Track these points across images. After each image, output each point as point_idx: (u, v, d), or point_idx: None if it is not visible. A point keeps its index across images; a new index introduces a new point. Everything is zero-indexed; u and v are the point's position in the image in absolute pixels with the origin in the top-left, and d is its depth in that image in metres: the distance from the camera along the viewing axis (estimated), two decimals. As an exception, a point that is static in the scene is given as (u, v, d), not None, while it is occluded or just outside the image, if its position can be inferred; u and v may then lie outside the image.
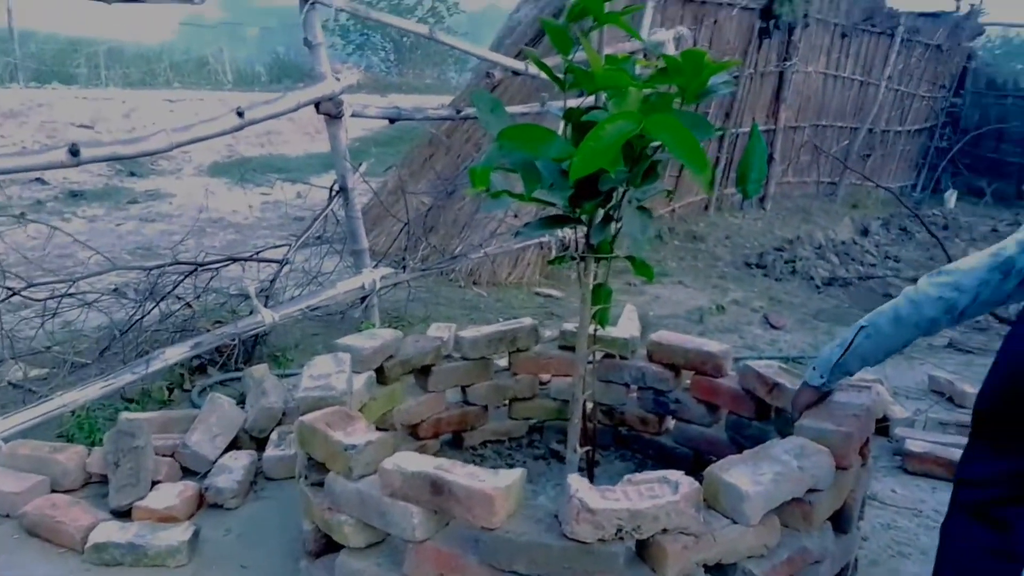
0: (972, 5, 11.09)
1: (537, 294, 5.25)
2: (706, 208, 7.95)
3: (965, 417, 3.14)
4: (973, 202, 10.37)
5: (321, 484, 1.70)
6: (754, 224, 7.93)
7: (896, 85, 10.09)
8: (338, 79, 3.40)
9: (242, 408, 2.87)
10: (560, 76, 1.83)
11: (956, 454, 2.71)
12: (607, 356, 2.68)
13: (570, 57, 1.81)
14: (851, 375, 1.89)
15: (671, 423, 2.68)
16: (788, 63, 8.02)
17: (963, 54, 11.26)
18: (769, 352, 4.30)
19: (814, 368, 1.89)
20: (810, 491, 1.62)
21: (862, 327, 1.78)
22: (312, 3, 3.26)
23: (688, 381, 2.59)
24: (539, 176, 1.72)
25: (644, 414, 2.69)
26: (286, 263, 3.72)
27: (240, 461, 2.53)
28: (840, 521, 1.79)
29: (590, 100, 1.95)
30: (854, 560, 1.99)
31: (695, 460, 2.55)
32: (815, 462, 1.62)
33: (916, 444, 2.81)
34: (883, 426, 3.07)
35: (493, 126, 1.75)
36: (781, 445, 1.68)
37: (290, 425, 2.67)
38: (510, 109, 4.53)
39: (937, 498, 2.57)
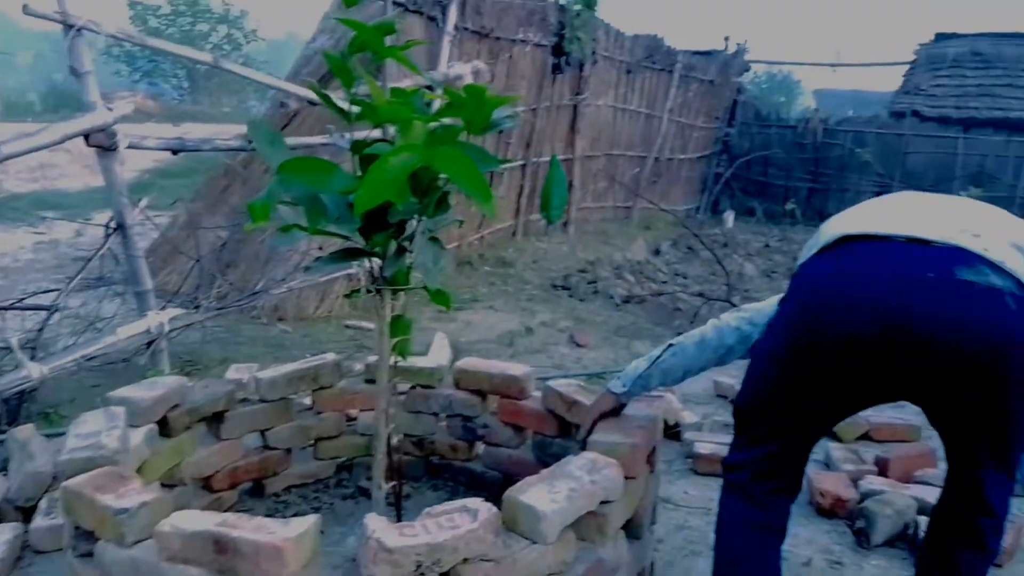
0: (739, 44, 12.44)
1: (347, 327, 5.13)
2: (513, 234, 8.20)
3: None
4: (747, 221, 11.52)
5: (91, 555, 1.53)
6: (559, 248, 8.29)
7: (677, 117, 11.05)
8: (110, 109, 3.15)
9: (4, 475, 2.54)
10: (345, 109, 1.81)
11: (737, 453, 2.98)
12: (414, 387, 2.67)
13: (353, 90, 1.79)
14: (648, 389, 2.03)
15: (481, 448, 2.70)
16: (580, 97, 8.53)
17: (733, 88, 12.56)
18: (575, 370, 4.48)
19: (618, 377, 2.02)
20: (603, 503, 1.68)
21: (671, 345, 1.94)
22: (77, 29, 3.01)
23: (495, 405, 2.63)
24: (324, 209, 1.68)
25: (454, 441, 2.69)
26: (55, 309, 3.36)
27: (2, 535, 2.23)
28: (633, 528, 1.88)
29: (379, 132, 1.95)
30: (650, 564, 2.10)
31: (505, 482, 2.59)
32: (606, 475, 1.69)
33: (704, 446, 3.03)
34: (675, 432, 3.30)
35: (273, 159, 1.69)
36: (574, 462, 1.74)
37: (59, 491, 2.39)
38: (307, 140, 4.44)
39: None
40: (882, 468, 2.87)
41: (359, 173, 1.81)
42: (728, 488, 1.80)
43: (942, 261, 1.35)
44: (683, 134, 11.45)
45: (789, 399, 1.63)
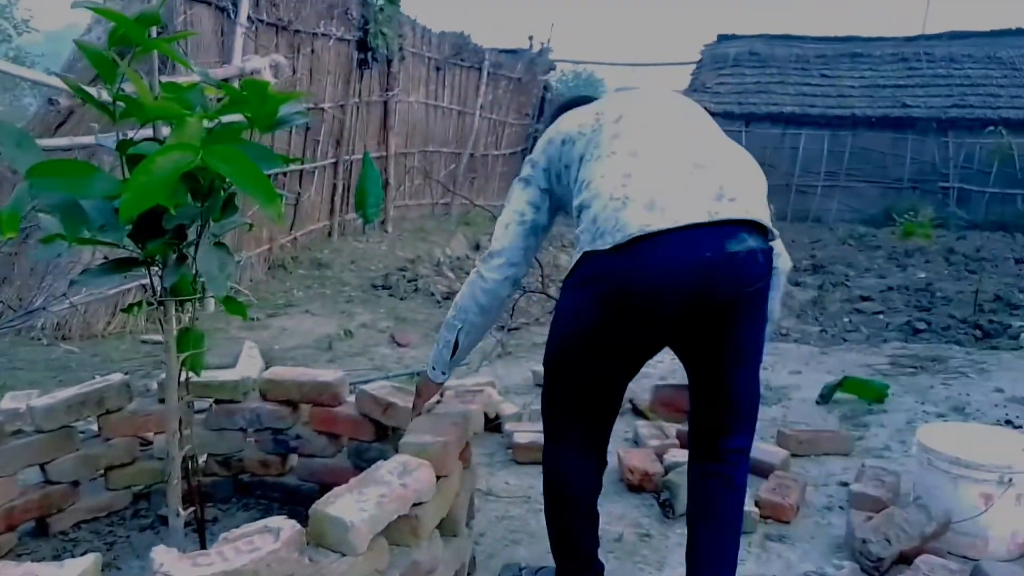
0: (542, 44, 12.86)
1: (144, 342, 4.74)
2: (329, 234, 7.98)
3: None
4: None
5: None
6: (377, 247, 8.16)
7: (489, 114, 11.24)
8: None
9: None
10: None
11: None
12: (217, 402, 2.50)
13: (117, 85, 1.63)
14: (462, 362, 2.07)
15: (295, 460, 2.59)
16: (391, 93, 8.43)
17: (540, 86, 12.97)
18: (397, 370, 4.43)
19: (434, 368, 2.04)
20: (415, 505, 1.66)
21: (459, 328, 1.97)
22: None
23: (307, 414, 2.53)
24: (84, 216, 1.51)
25: (264, 456, 2.55)
26: None
27: None
28: (449, 526, 1.87)
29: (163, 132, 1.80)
30: (471, 558, 2.11)
31: (322, 493, 2.49)
32: (417, 477, 1.67)
33: (522, 436, 3.10)
34: (496, 424, 3.34)
35: (20, 162, 1.50)
36: (385, 466, 1.70)
37: None
38: (84, 140, 4.04)
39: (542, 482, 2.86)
40: (683, 441, 3.07)
41: (127, 175, 1.66)
42: (552, 442, 1.96)
43: (713, 239, 1.63)
44: (496, 130, 11.68)
45: (595, 363, 1.82)
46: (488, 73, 10.86)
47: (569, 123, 1.92)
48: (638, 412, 3.60)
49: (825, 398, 3.86)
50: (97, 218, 1.53)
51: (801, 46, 14.83)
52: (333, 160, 7.73)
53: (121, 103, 1.64)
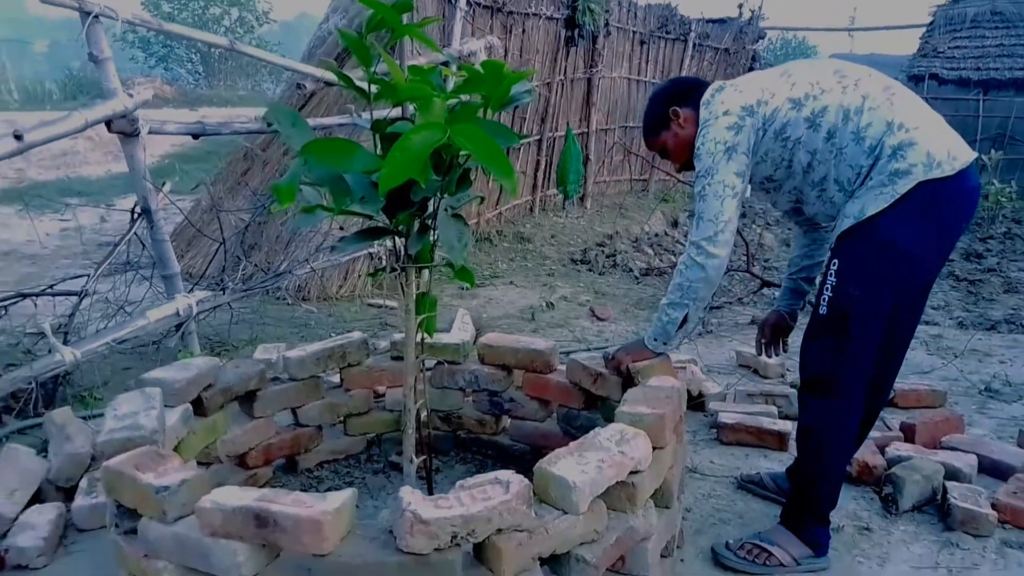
0: (752, 12, 12.22)
1: (371, 305, 5.17)
2: (531, 209, 8.19)
3: (769, 387, 3.45)
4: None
5: (135, 531, 1.57)
6: (576, 222, 8.27)
7: (693, 86, 10.88)
8: (131, 95, 3.17)
9: (44, 457, 2.61)
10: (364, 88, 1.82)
11: (763, 422, 2.99)
12: (440, 362, 2.70)
13: (373, 69, 1.80)
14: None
15: (507, 422, 2.73)
16: (595, 69, 8.44)
17: (748, 56, 12.35)
18: (597, 343, 4.50)
19: (655, 339, 2.20)
20: (632, 473, 1.71)
21: (688, 307, 2.11)
22: (94, 16, 3.02)
23: (520, 379, 2.66)
24: (348, 189, 1.69)
25: (481, 416, 2.72)
26: (85, 295, 3.41)
27: (45, 515, 2.29)
28: (662, 497, 1.90)
29: (401, 111, 1.96)
30: (679, 532, 2.13)
31: (533, 454, 2.63)
32: (634, 446, 1.71)
33: (728, 416, 3.04)
34: (699, 402, 3.31)
35: (295, 140, 1.70)
36: (603, 433, 1.76)
37: (99, 471, 2.45)
38: (325, 121, 4.46)
39: (750, 463, 2.81)
40: (908, 434, 2.87)
41: (380, 152, 1.83)
42: (843, 396, 2.03)
43: (975, 173, 1.98)
44: (700, 103, 11.31)
45: (910, 292, 2.06)
46: (694, 44, 10.53)
47: (773, 89, 2.05)
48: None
49: (1079, 399, 3.43)
50: (358, 191, 1.71)
51: (1057, 2, 12.93)
52: (537, 137, 7.91)
53: (376, 86, 1.81)
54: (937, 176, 1.86)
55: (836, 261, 1.98)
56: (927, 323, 5.09)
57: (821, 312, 2.01)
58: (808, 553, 2.13)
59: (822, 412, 2.06)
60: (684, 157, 2.23)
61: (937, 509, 2.42)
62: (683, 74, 10.47)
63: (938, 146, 1.89)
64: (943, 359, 4.17)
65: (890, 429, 2.95)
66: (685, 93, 2.21)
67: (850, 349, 1.98)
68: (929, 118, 1.95)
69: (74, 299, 3.49)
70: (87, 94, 17.03)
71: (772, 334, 2.52)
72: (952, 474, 2.53)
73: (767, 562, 2.11)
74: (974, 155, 1.94)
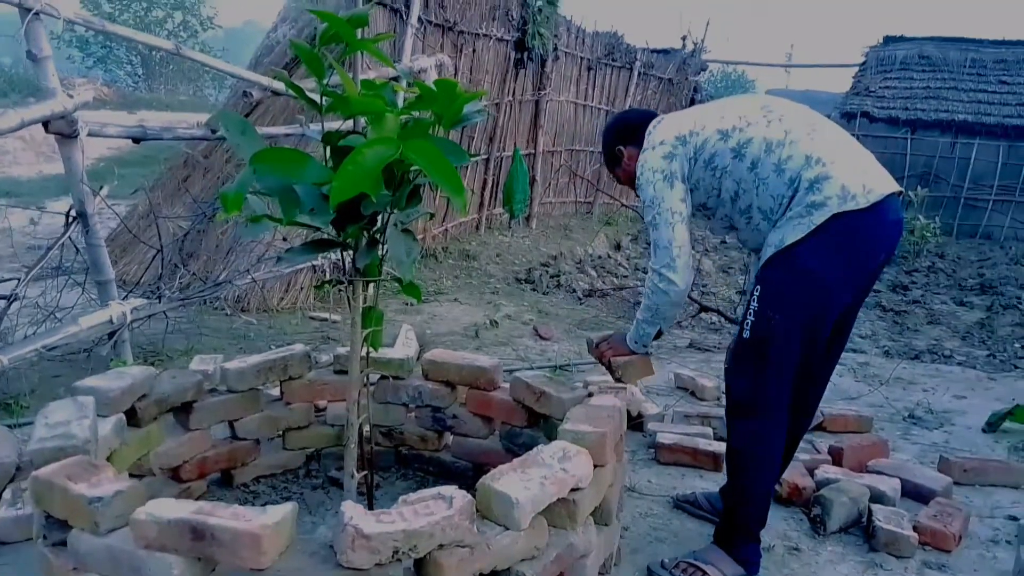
0: (695, 44, 12.60)
1: (312, 318, 5.10)
2: (477, 228, 8.22)
3: (706, 408, 3.53)
4: (704, 217, 11.68)
5: (64, 544, 1.52)
6: (522, 242, 8.33)
7: (638, 113, 11.13)
8: (71, 95, 3.09)
9: (-37, 468, 2.48)
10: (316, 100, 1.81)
11: (699, 443, 3.05)
12: (384, 377, 2.68)
13: (326, 81, 1.80)
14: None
15: (450, 438, 2.73)
16: (543, 92, 8.57)
17: (690, 87, 12.71)
18: (540, 362, 4.53)
19: (636, 342, 2.38)
20: (573, 490, 1.73)
21: (659, 326, 2.31)
22: (35, 13, 2.94)
23: (464, 396, 2.66)
24: (297, 200, 1.68)
25: (423, 432, 2.71)
26: (14, 299, 3.28)
27: (-37, 529, 2.19)
28: (602, 515, 1.93)
29: (349, 124, 1.96)
30: (616, 550, 2.16)
31: (474, 472, 2.63)
32: (576, 463, 1.74)
33: (666, 436, 3.10)
34: (638, 422, 3.37)
35: (244, 149, 1.68)
36: (546, 450, 1.78)
37: (26, 481, 2.35)
38: (272, 130, 4.40)
39: (686, 483, 2.86)
40: (836, 458, 2.98)
41: (330, 165, 1.83)
42: (765, 414, 2.12)
43: (895, 206, 2.08)
44: (644, 130, 11.57)
45: (824, 319, 2.09)
46: (639, 73, 10.79)
47: (704, 122, 2.18)
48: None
49: (993, 426, 3.61)
50: (308, 202, 1.70)
51: (978, 50, 13.66)
52: (485, 156, 7.97)
53: (328, 98, 1.81)
54: (851, 208, 1.96)
55: (759, 287, 2.09)
56: (855, 351, 5.29)
57: (744, 336, 2.11)
58: (740, 572, 2.19)
59: (747, 434, 2.15)
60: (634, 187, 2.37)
61: (863, 531, 2.51)
62: (628, 102, 10.72)
63: (853, 180, 1.99)
64: (870, 386, 4.34)
65: (819, 452, 3.05)
66: (630, 131, 2.37)
67: (770, 372, 2.07)
68: (848, 153, 2.06)
69: (2, 303, 3.34)
70: (19, 92, 16.39)
71: None
72: (877, 497, 2.63)
73: None
74: (893, 188, 2.04)
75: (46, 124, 3.08)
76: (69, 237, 3.41)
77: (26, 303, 3.46)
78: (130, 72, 25.19)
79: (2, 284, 3.61)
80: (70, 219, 3.35)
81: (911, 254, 9.29)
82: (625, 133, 2.38)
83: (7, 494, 2.32)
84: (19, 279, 3.33)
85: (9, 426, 2.76)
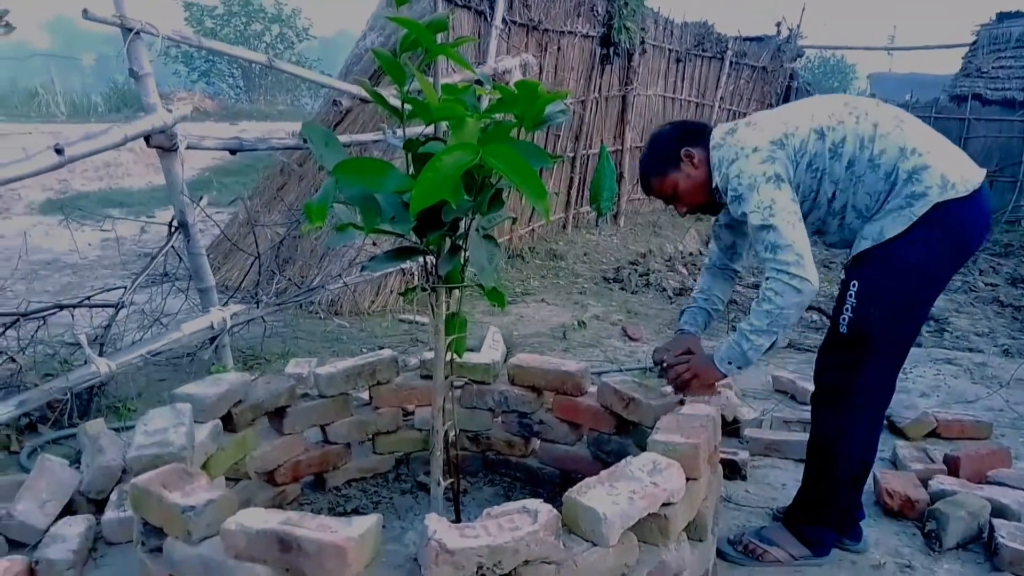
0: (791, 30, 12.12)
1: (402, 321, 5.18)
2: (564, 227, 8.16)
3: (806, 413, 3.35)
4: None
5: (160, 550, 1.57)
6: (609, 240, 8.22)
7: (728, 105, 10.83)
8: (170, 110, 3.22)
9: (77, 468, 2.63)
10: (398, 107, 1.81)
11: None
12: (470, 382, 2.67)
13: (407, 88, 1.79)
14: None
15: (537, 444, 2.69)
16: (629, 87, 8.41)
17: (786, 74, 12.25)
18: (628, 363, 4.44)
19: (730, 363, 2.12)
20: (664, 505, 1.66)
21: (776, 334, 2.04)
22: (136, 32, 3.08)
23: (550, 401, 2.62)
24: (379, 209, 1.68)
25: (510, 437, 2.69)
26: (122, 306, 3.46)
27: (75, 528, 2.30)
28: (695, 530, 1.84)
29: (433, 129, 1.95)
30: (713, 566, 2.06)
31: (562, 479, 2.58)
32: (667, 476, 1.67)
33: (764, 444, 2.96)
34: (734, 428, 3.24)
35: (328, 160, 1.69)
36: (635, 462, 1.72)
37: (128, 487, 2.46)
38: (360, 137, 4.49)
39: (786, 493, 2.73)
40: (952, 467, 2.77)
41: (412, 171, 1.82)
42: (860, 407, 2.11)
43: (988, 194, 2.06)
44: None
45: (925, 308, 2.12)
46: (731, 63, 10.46)
47: (796, 123, 2.09)
48: (896, 431, 3.29)
49: None
50: (389, 210, 1.69)
51: (1108, 21, 12.60)
52: (571, 154, 7.90)
53: (409, 105, 1.80)
54: (952, 197, 1.94)
55: (856, 283, 2.04)
56: (971, 350, 4.94)
57: (841, 331, 2.07)
58: (806, 552, 2.25)
59: (834, 423, 2.14)
60: (697, 200, 2.25)
61: (983, 547, 2.33)
62: (719, 93, 10.43)
63: (951, 168, 1.97)
64: (988, 388, 4.04)
65: (933, 462, 2.84)
66: (695, 135, 2.22)
67: (871, 364, 2.06)
68: (940, 142, 2.04)
69: (111, 310, 3.53)
70: (131, 107, 17.44)
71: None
72: (999, 511, 2.43)
73: (762, 558, 2.24)
74: (984, 174, 2.04)
75: (147, 138, 3.22)
76: (172, 246, 3.56)
77: (133, 309, 3.63)
78: (232, 84, 26.38)
79: (111, 293, 3.81)
80: (172, 229, 3.50)
81: (1033, 244, 8.63)
82: (691, 136, 2.22)
83: (113, 496, 2.43)
84: (126, 287, 3.50)
85: (117, 429, 2.90)
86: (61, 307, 3.59)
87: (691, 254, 8.03)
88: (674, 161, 2.21)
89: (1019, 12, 13.27)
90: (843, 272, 2.15)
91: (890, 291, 2.00)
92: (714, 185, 2.16)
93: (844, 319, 2.05)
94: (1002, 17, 13.38)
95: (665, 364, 2.31)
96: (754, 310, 2.04)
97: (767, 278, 2.01)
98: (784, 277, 1.97)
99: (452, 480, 2.11)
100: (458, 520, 2.05)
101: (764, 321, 2.01)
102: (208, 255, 3.95)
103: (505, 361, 2.73)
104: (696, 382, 2.19)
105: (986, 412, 3.60)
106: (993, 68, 12.55)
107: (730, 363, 2.11)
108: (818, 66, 28.95)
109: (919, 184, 1.95)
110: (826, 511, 2.24)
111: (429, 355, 2.61)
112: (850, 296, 2.04)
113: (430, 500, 2.04)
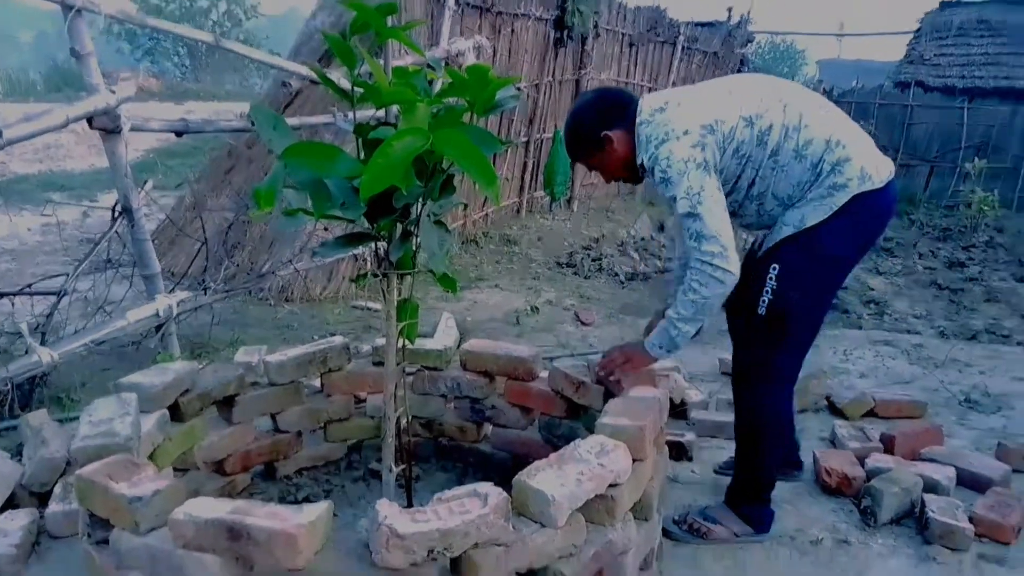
0: (741, 16, 12.28)
1: (354, 307, 5.14)
2: (518, 212, 8.17)
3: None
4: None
5: (107, 542, 1.54)
6: (563, 225, 8.26)
7: (681, 90, 10.93)
8: (113, 91, 3.13)
9: (19, 461, 2.56)
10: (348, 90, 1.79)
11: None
12: (422, 368, 2.67)
13: (357, 71, 1.78)
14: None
15: (489, 429, 2.72)
16: (583, 71, 8.43)
17: (737, 60, 12.40)
18: (581, 348, 4.49)
19: (660, 347, 2.16)
20: (611, 486, 1.69)
21: (700, 320, 2.10)
22: (77, 10, 2.97)
23: (502, 386, 2.64)
24: (329, 194, 1.67)
25: (462, 423, 2.71)
26: (64, 294, 3.36)
27: (17, 521, 2.25)
28: (641, 510, 1.89)
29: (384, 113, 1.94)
30: (659, 544, 2.12)
31: (514, 462, 2.61)
32: (614, 458, 1.70)
33: (710, 425, 3.04)
34: (681, 410, 3.31)
35: (277, 144, 1.68)
36: (583, 445, 1.75)
37: (73, 477, 2.41)
38: (311, 120, 4.42)
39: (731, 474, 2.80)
40: (888, 446, 2.88)
41: (362, 156, 1.81)
42: (777, 383, 2.27)
43: (896, 185, 2.20)
44: (688, 107, 11.36)
45: (835, 292, 2.31)
46: (683, 48, 10.55)
47: (723, 111, 2.08)
48: (835, 411, 3.41)
49: (1058, 412, 3.46)
50: (339, 196, 1.68)
51: (1043, 12, 13.04)
52: (525, 139, 7.89)
53: (359, 88, 1.78)
54: (869, 188, 2.07)
55: (776, 267, 2.14)
56: (908, 332, 5.12)
57: (759, 312, 2.17)
58: (748, 531, 2.34)
59: (759, 401, 2.26)
60: (618, 174, 2.30)
61: (916, 522, 2.43)
62: (671, 77, 10.52)
63: (869, 161, 2.09)
64: (924, 369, 4.20)
65: (870, 440, 2.95)
66: (615, 112, 2.20)
67: (787, 342, 2.20)
68: (858, 134, 2.15)
69: (53, 298, 3.43)
70: (72, 86, 16.84)
71: None
72: (931, 487, 2.54)
73: (706, 536, 2.33)
74: (893, 166, 2.19)
75: (90, 120, 3.13)
76: (116, 231, 3.47)
77: (76, 297, 3.54)
78: (177, 63, 25.64)
79: (52, 280, 3.70)
80: (116, 214, 3.41)
81: (968, 228, 8.96)
82: (610, 115, 2.20)
83: (58, 489, 2.38)
84: (68, 274, 3.41)
85: (60, 420, 2.83)
86: (1, 295, 3.47)
87: (643, 239, 8.12)
88: (595, 144, 2.22)
89: (960, 1, 13.67)
90: (758, 255, 2.23)
91: (810, 275, 2.13)
92: (639, 162, 2.16)
93: (764, 301, 2.15)
94: (944, 6, 13.76)
95: (592, 363, 2.35)
96: (680, 299, 2.09)
97: (692, 268, 2.05)
98: (708, 268, 2.01)
99: (404, 467, 2.12)
100: (410, 506, 2.06)
101: (690, 310, 2.07)
102: (153, 240, 3.85)
103: (458, 347, 2.74)
104: (628, 366, 2.21)
105: (922, 392, 3.75)
106: (935, 56, 12.92)
107: (660, 347, 2.16)
108: (768, 52, 29.38)
109: (840, 176, 2.06)
110: (761, 487, 2.36)
111: (381, 341, 2.60)
112: (770, 279, 2.14)
113: (382, 487, 2.05)
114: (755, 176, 2.12)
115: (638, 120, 2.15)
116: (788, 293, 2.13)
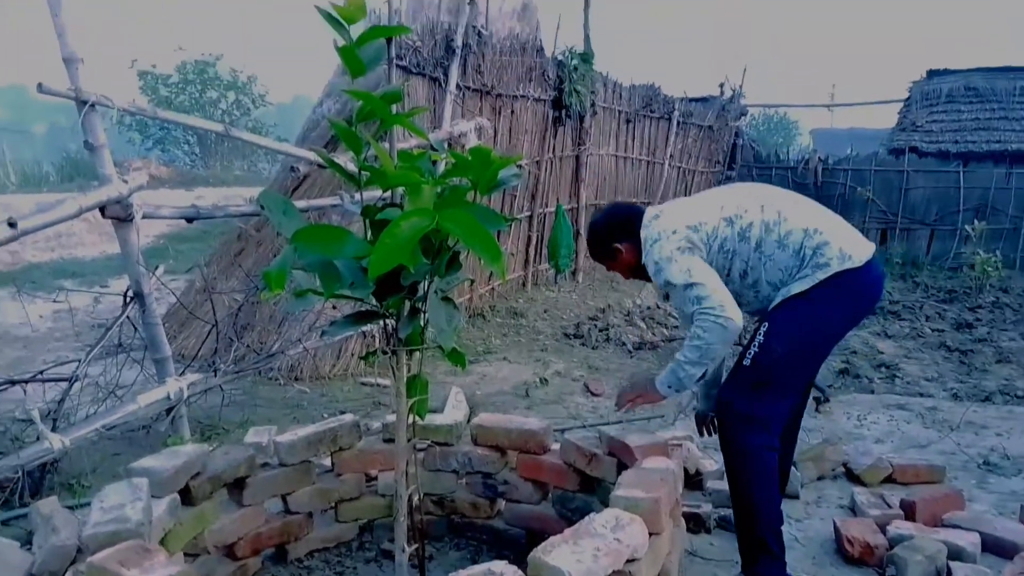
0: (733, 90, 12.63)
1: (363, 384, 5.13)
2: (524, 285, 8.23)
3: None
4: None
5: (117, 631, 1.52)
6: (569, 296, 8.30)
7: (678, 163, 11.17)
8: (125, 180, 3.22)
9: (29, 550, 2.53)
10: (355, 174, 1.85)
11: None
12: (433, 444, 2.66)
13: (363, 156, 1.84)
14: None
15: (502, 505, 2.69)
16: (582, 147, 8.64)
17: (731, 132, 12.70)
18: (592, 419, 4.46)
19: (669, 387, 2.40)
20: (628, 561, 1.67)
21: (707, 366, 2.37)
22: (91, 105, 3.10)
23: (514, 461, 2.62)
24: (338, 275, 1.71)
25: (475, 499, 2.68)
26: (76, 380, 3.38)
27: (25, 613, 2.21)
28: (660, 585, 1.85)
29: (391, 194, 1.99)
30: (679, 619, 2.07)
31: (528, 539, 2.57)
32: (630, 532, 1.68)
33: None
34: (696, 480, 3.26)
35: (286, 228, 1.73)
36: (598, 519, 1.73)
37: (84, 564, 2.38)
38: (318, 202, 4.53)
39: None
40: (909, 512, 2.82)
41: (370, 237, 1.86)
42: (762, 432, 2.32)
43: (880, 263, 2.42)
44: (685, 179, 11.56)
45: (819, 355, 2.47)
46: (678, 123, 10.83)
47: (706, 214, 2.42)
48: (853, 477, 3.35)
49: (1081, 473, 3.40)
50: (348, 276, 1.72)
51: (1028, 78, 13.37)
52: (528, 213, 8.03)
53: (366, 172, 1.85)
54: (849, 267, 2.29)
55: (766, 324, 2.35)
56: (921, 395, 5.08)
57: (745, 364, 2.34)
58: None
59: (748, 447, 2.33)
60: (631, 275, 2.66)
61: (942, 590, 2.36)
62: (668, 151, 10.76)
63: (846, 243, 2.33)
64: (939, 432, 4.15)
65: (890, 507, 2.89)
66: (623, 226, 2.56)
67: (770, 393, 2.32)
68: (835, 221, 2.41)
69: (64, 384, 3.45)
70: (84, 176, 17.25)
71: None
72: (955, 554, 2.48)
73: None
74: (873, 248, 2.39)
75: (102, 209, 3.21)
76: (127, 316, 3.51)
77: (87, 382, 3.55)
78: (187, 151, 26.28)
79: (64, 366, 3.72)
80: (128, 299, 3.46)
81: (973, 290, 8.96)
82: (618, 230, 2.57)
83: (67, 576, 2.34)
84: (80, 360, 3.43)
85: (71, 507, 2.80)
86: (13, 382, 3.50)
87: (648, 308, 8.14)
88: (609, 253, 2.62)
89: (947, 70, 14.04)
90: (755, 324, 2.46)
91: (793, 331, 2.32)
92: (643, 262, 2.47)
93: (750, 354, 2.33)
94: (932, 74, 14.13)
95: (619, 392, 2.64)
96: (687, 344, 2.33)
97: (696, 319, 2.30)
98: (711, 316, 2.25)
99: (417, 546, 2.09)
100: (424, 586, 2.02)
101: (695, 354, 2.31)
102: (164, 324, 3.90)
103: (469, 421, 2.74)
104: (640, 399, 2.49)
105: (939, 455, 3.69)
106: (927, 122, 13.18)
107: (669, 387, 2.41)
108: (762, 123, 29.97)
109: (822, 257, 2.30)
110: (770, 540, 2.36)
111: (391, 418, 2.60)
112: (759, 335, 2.34)
113: (395, 568, 2.02)
114: (745, 267, 2.39)
115: (642, 224, 2.50)
116: (773, 345, 2.30)
